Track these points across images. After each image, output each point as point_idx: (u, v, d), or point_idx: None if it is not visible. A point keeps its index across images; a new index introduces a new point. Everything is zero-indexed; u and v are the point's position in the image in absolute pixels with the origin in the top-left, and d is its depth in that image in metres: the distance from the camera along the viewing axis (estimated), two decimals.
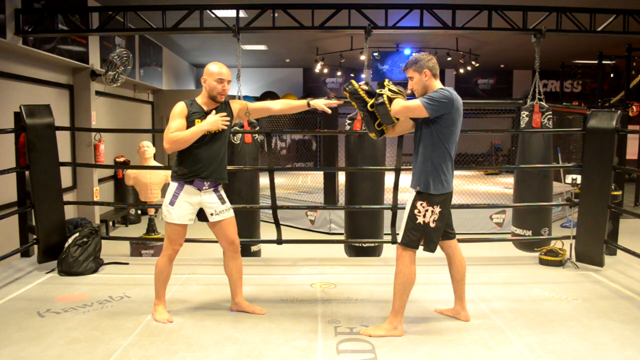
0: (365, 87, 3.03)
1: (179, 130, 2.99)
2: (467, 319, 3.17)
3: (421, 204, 2.94)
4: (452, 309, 3.25)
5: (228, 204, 3.25)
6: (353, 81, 3.06)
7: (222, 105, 3.16)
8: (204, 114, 3.07)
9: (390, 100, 2.95)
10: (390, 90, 2.98)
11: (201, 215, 3.20)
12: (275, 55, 13.33)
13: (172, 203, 3.09)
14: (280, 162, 12.95)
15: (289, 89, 15.48)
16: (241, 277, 3.32)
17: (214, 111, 3.10)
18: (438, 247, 3.08)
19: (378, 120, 3.05)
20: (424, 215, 2.93)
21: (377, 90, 3.00)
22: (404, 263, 2.95)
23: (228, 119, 3.06)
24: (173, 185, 3.12)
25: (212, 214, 3.17)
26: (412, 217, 2.96)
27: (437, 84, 2.97)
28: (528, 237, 4.95)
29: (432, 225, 2.94)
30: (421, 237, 2.96)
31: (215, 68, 3.07)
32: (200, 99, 3.13)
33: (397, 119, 3.03)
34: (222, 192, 3.24)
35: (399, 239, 3.00)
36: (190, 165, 3.06)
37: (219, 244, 3.33)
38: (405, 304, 2.98)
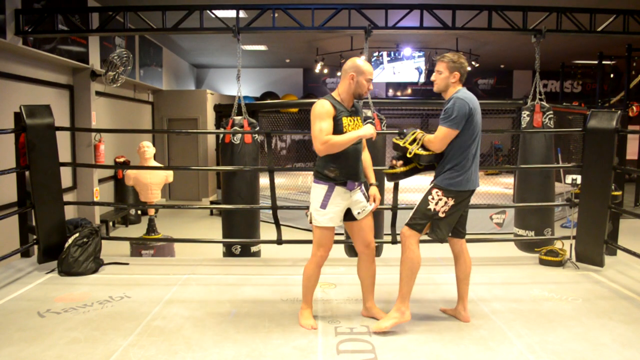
0: (402, 139, 3.15)
1: (329, 132, 2.87)
2: (467, 320, 3.18)
3: (437, 192, 2.99)
4: (454, 309, 3.26)
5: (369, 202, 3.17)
6: (395, 139, 3.18)
7: (356, 104, 3.12)
8: (349, 113, 3.00)
9: (419, 143, 3.05)
10: (411, 142, 3.08)
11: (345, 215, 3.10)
12: (275, 56, 13.33)
13: (323, 206, 2.98)
14: (280, 162, 12.95)
15: (289, 89, 15.48)
16: (374, 283, 3.20)
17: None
18: (446, 245, 3.13)
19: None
20: (436, 203, 2.98)
21: (408, 153, 3.09)
22: (409, 247, 2.99)
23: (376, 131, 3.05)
24: (322, 188, 2.99)
25: (359, 213, 3.09)
26: (424, 201, 3.01)
27: (456, 89, 3.04)
28: (529, 237, 4.92)
29: (441, 214, 2.98)
30: (427, 224, 3.00)
31: (369, 67, 2.97)
32: (339, 96, 3.00)
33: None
34: (365, 190, 3.15)
35: (407, 221, 3.04)
36: (341, 166, 2.97)
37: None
38: (412, 288, 3.02)
